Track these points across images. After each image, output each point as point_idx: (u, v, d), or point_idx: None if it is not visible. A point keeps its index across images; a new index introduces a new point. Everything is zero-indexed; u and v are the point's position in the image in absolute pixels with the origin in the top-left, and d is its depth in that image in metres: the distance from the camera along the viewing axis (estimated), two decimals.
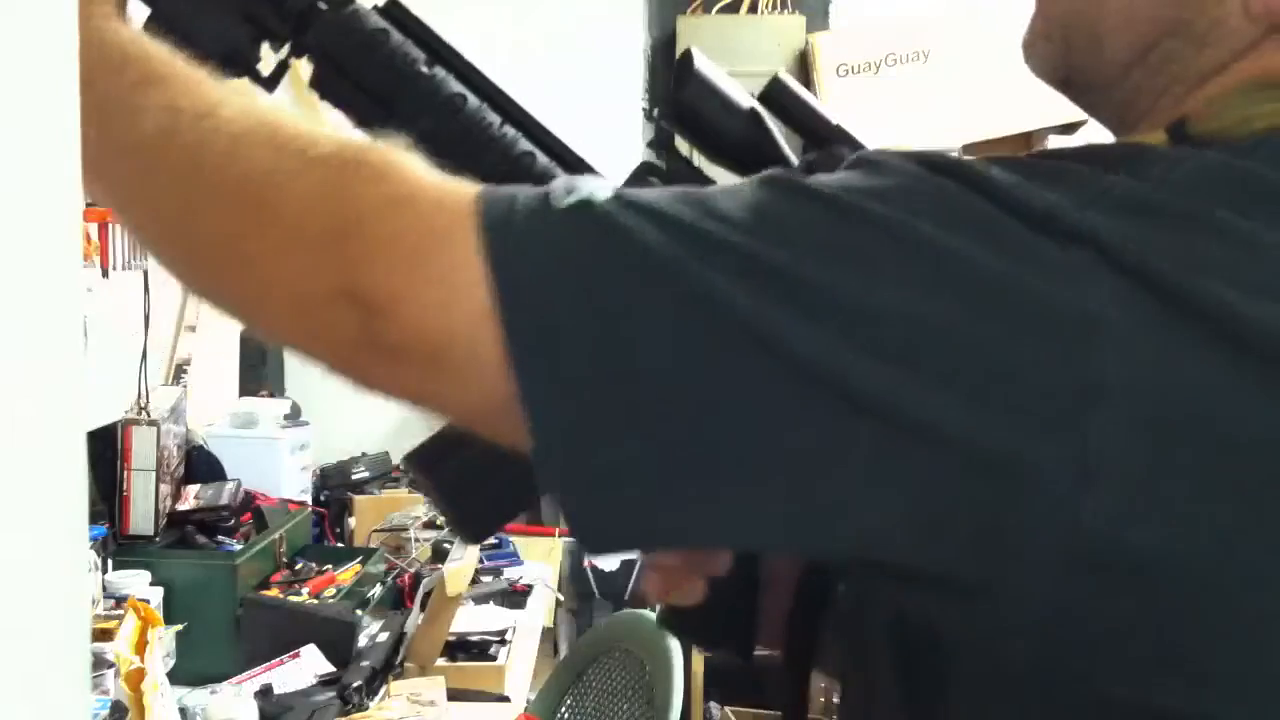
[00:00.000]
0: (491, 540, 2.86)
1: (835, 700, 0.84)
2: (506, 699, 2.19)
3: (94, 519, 2.06)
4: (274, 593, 2.26)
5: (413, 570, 2.55)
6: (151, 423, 2.25)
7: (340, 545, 2.91)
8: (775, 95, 0.75)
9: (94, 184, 0.58)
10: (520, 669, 2.34)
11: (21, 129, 0.37)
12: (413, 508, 3.04)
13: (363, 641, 2.17)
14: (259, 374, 3.19)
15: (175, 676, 1.91)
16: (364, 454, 3.33)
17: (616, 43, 3.48)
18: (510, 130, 0.73)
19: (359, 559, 2.52)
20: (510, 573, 2.81)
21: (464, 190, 0.55)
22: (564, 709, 2.34)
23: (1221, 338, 0.50)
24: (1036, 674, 0.53)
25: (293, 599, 2.24)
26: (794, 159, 0.74)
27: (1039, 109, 2.99)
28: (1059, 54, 0.67)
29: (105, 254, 2.19)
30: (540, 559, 3.03)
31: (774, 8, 3.48)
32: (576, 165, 0.75)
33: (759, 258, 0.51)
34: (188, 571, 2.13)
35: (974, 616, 0.54)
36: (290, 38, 0.72)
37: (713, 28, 3.46)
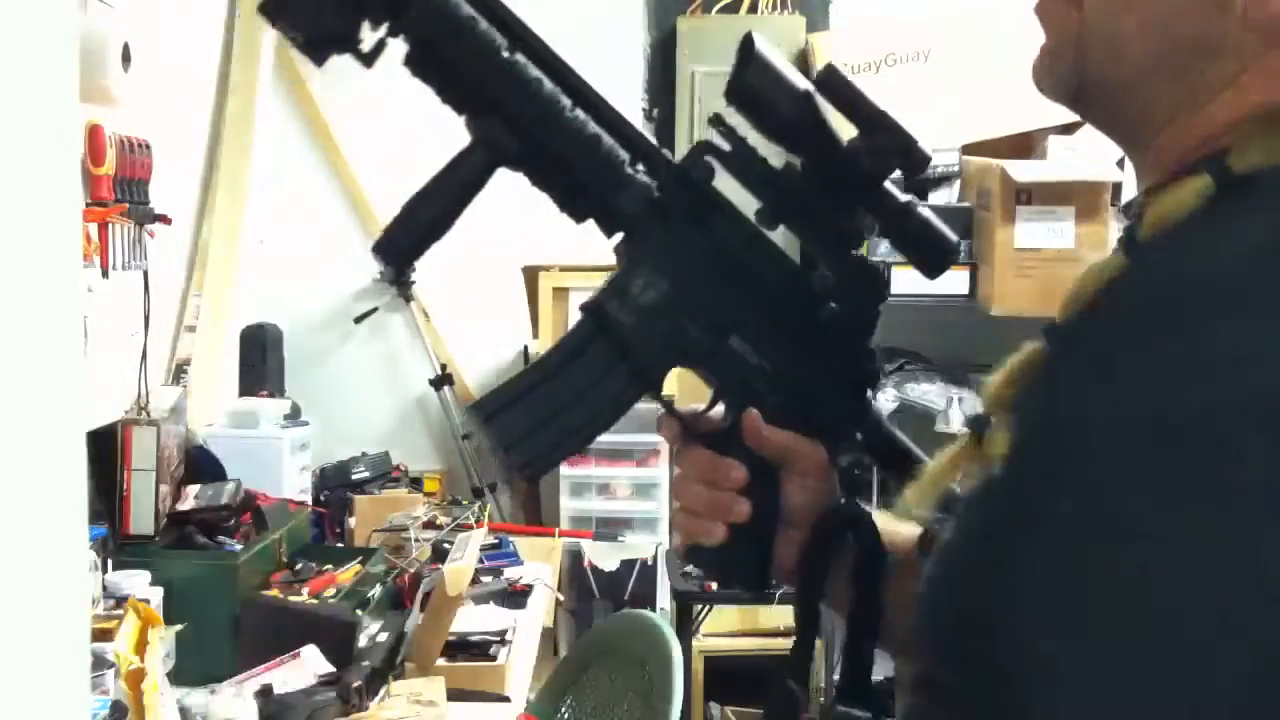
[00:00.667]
0: (491, 540, 2.87)
1: (833, 701, 0.87)
2: (506, 699, 2.19)
3: (94, 519, 2.06)
4: (274, 593, 2.26)
5: (413, 570, 2.55)
6: (151, 423, 2.25)
7: (340, 545, 2.91)
8: (829, 81, 0.80)
9: None
10: (520, 669, 2.34)
11: (22, 130, 0.37)
12: (413, 508, 3.04)
13: (363, 641, 2.17)
14: (259, 374, 3.19)
15: (175, 676, 1.91)
16: (364, 454, 3.34)
17: (616, 42, 3.48)
18: (580, 113, 0.80)
19: (359, 559, 2.52)
20: (510, 573, 2.81)
21: None
22: (564, 709, 2.34)
23: None
24: None
25: (293, 599, 2.24)
26: (842, 140, 0.81)
27: (1039, 109, 2.98)
28: (1071, 70, 0.67)
29: (105, 254, 2.19)
30: (540, 559, 3.03)
31: (774, 8, 3.48)
32: (641, 145, 0.82)
33: None
34: (188, 571, 2.13)
35: None
36: (388, 19, 0.77)
37: (713, 28, 3.46)
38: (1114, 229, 2.78)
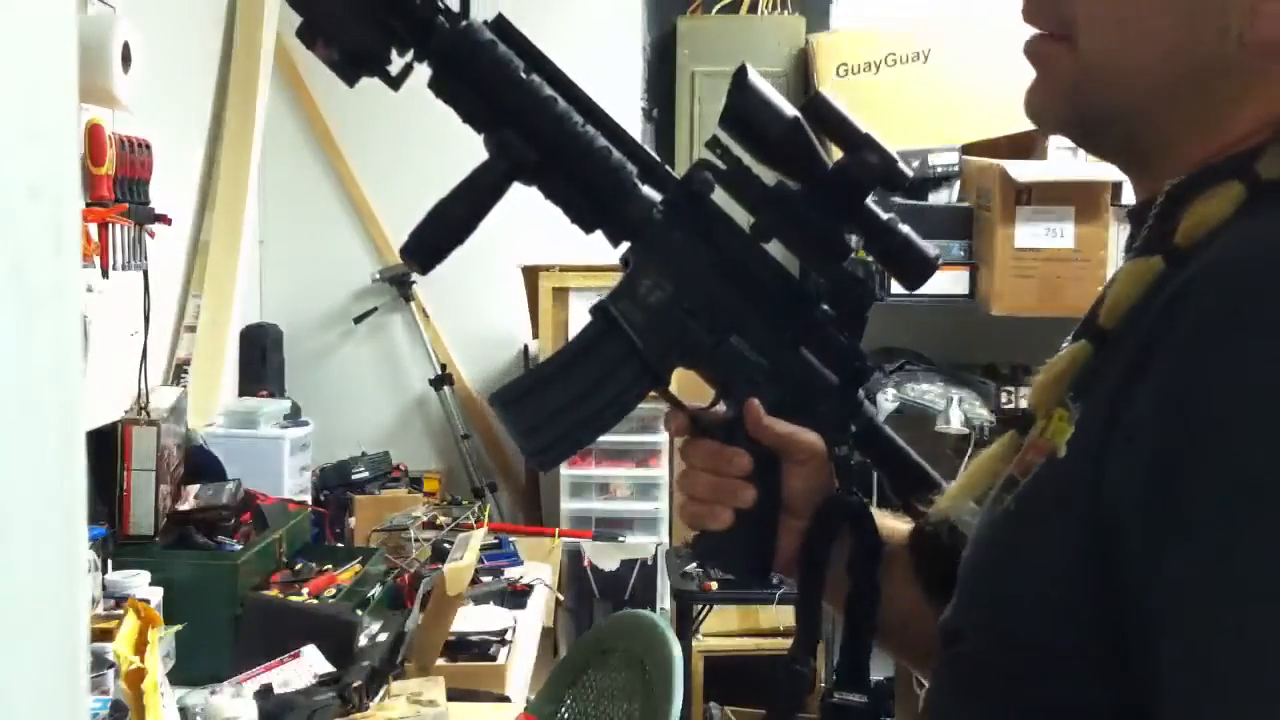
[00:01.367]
0: (491, 540, 2.87)
1: (831, 700, 0.89)
2: (506, 699, 2.19)
3: (94, 519, 2.06)
4: (274, 593, 2.26)
5: (413, 570, 2.55)
6: (151, 423, 2.25)
7: (340, 545, 2.91)
8: (814, 107, 0.88)
9: None
10: (520, 669, 2.34)
11: (22, 129, 0.37)
12: (413, 508, 3.04)
13: (363, 641, 2.17)
14: (259, 374, 3.19)
15: (175, 676, 1.91)
16: (364, 454, 3.34)
17: (616, 43, 3.48)
18: (590, 129, 0.87)
19: (359, 559, 2.53)
20: (510, 573, 2.81)
21: None
22: (564, 709, 2.34)
23: None
24: None
25: (293, 599, 2.24)
26: (829, 162, 0.88)
27: None
28: (1071, 108, 0.70)
29: (105, 254, 2.19)
30: (540, 559, 3.03)
31: (774, 8, 3.48)
32: (647, 160, 0.90)
33: None
34: (188, 571, 2.13)
35: None
36: (415, 45, 0.85)
37: (713, 28, 3.46)
38: (1114, 229, 2.78)
